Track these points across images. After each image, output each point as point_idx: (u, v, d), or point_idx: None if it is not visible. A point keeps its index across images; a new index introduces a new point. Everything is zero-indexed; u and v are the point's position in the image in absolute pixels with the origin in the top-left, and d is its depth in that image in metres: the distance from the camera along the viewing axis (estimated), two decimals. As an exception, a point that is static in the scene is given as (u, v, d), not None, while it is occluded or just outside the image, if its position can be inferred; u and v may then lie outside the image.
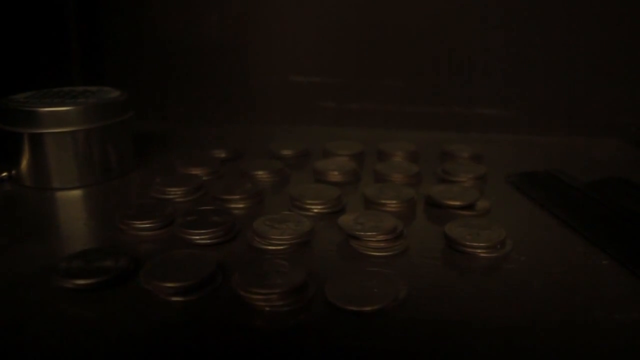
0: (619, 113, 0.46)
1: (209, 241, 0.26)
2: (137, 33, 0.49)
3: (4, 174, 0.34)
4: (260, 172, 0.34)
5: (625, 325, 0.20)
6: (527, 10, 0.44)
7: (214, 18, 0.47)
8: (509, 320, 0.20)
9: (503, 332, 0.19)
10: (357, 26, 0.46)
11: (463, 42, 0.45)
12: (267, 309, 0.20)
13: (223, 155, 0.38)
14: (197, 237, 0.26)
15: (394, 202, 0.30)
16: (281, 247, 0.25)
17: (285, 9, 0.46)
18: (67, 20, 0.47)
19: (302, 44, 0.46)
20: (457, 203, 0.30)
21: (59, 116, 0.33)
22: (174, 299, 0.21)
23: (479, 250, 0.25)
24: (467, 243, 0.25)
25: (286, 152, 0.38)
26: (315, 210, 0.29)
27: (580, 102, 0.46)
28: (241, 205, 0.30)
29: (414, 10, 0.45)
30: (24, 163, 0.34)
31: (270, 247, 0.25)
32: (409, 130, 0.45)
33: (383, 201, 0.30)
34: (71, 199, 0.33)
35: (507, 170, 0.36)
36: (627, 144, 0.44)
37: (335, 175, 0.34)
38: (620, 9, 0.43)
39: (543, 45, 0.45)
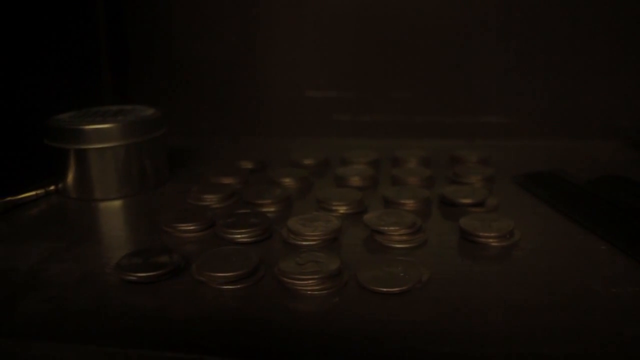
0: (617, 116, 0.49)
1: (249, 239, 0.29)
2: (163, 55, 0.52)
3: (52, 187, 0.37)
4: (286, 179, 0.37)
5: (621, 296, 0.23)
6: (526, 20, 0.47)
7: (233, 37, 0.51)
8: (520, 296, 0.23)
9: (516, 308, 0.22)
10: (366, 42, 0.49)
11: (467, 55, 0.48)
12: (308, 293, 0.23)
13: (250, 166, 0.42)
14: (239, 236, 0.29)
15: (411, 201, 0.33)
16: (314, 243, 0.28)
17: (300, 27, 0.49)
18: (98, 43, 0.51)
19: (315, 60, 0.50)
20: (469, 201, 0.33)
21: (101, 133, 0.36)
22: (226, 287, 0.24)
23: (490, 240, 0.28)
24: (480, 234, 0.28)
25: (308, 162, 0.42)
26: (341, 211, 0.32)
27: (579, 107, 0.49)
28: (272, 209, 0.33)
29: (418, 27, 0.48)
30: (70, 176, 0.37)
31: (304, 243, 0.28)
32: (419, 139, 0.48)
33: (402, 201, 0.33)
34: (113, 208, 0.36)
35: (512, 172, 0.39)
36: (626, 146, 0.47)
37: (356, 180, 0.37)
38: (617, 12, 0.46)
39: (542, 53, 0.48)
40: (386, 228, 0.28)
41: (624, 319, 0.21)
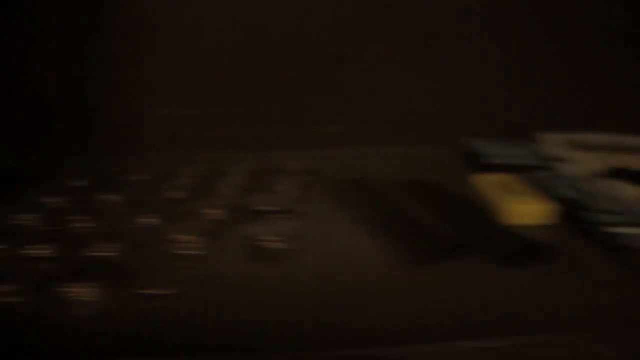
0: (448, 125, 0.55)
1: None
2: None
3: None
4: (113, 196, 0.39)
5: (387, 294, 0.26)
6: (353, 36, 0.51)
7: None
8: (275, 294, 0.26)
9: (302, 300, 0.26)
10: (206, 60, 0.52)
11: (299, 69, 0.52)
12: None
13: (81, 184, 0.42)
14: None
15: (218, 211, 0.35)
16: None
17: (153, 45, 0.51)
18: None
19: (156, 81, 0.52)
20: (273, 208, 0.36)
21: None
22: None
23: (273, 243, 0.31)
24: (266, 238, 0.31)
25: (137, 178, 0.43)
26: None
27: (410, 115, 0.54)
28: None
29: (253, 43, 0.51)
30: None
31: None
32: (254, 151, 0.51)
33: (206, 211, 0.35)
34: None
35: (333, 179, 0.43)
36: (453, 152, 0.52)
37: (179, 194, 0.39)
38: (440, 27, 0.51)
39: (373, 65, 0.52)
40: (177, 236, 0.30)
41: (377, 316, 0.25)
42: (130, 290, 0.26)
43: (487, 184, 0.39)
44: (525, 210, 0.35)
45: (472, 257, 0.31)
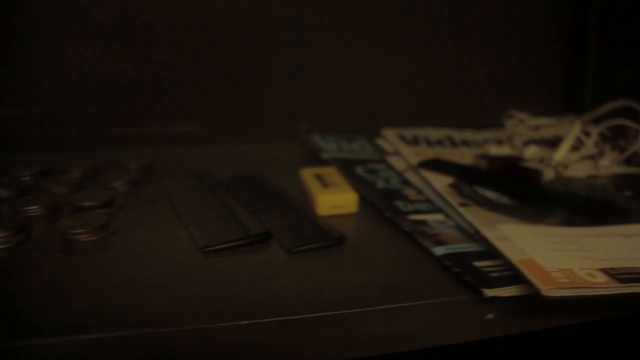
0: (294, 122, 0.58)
1: None
2: None
3: None
4: None
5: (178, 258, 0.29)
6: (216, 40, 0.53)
7: None
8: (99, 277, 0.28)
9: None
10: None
11: (163, 65, 0.53)
12: None
13: None
14: None
15: (36, 207, 0.36)
16: None
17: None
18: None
19: None
20: (93, 203, 0.37)
21: None
22: None
23: (82, 236, 0.32)
24: (72, 231, 0.32)
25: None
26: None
27: (260, 113, 0.57)
28: None
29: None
30: None
31: None
32: (95, 150, 0.52)
33: (27, 208, 0.36)
34: None
35: (169, 175, 0.44)
36: (297, 147, 0.55)
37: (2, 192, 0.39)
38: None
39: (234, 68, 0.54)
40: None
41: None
42: None
43: (307, 176, 0.42)
44: (329, 200, 0.38)
45: (272, 245, 0.33)
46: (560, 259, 0.29)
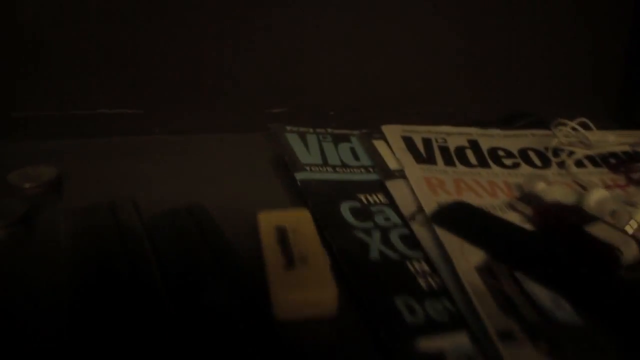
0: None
1: None
2: None
3: None
4: None
5: None
6: None
7: None
8: None
9: None
10: None
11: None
12: None
13: None
14: None
15: None
16: None
17: None
18: None
19: None
20: None
21: None
22: None
23: None
24: None
25: None
26: None
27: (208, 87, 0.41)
28: None
29: None
30: None
31: None
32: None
33: None
34: None
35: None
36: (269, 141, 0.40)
37: None
38: None
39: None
40: None
41: None
42: None
43: (265, 233, 0.27)
44: (294, 300, 0.24)
45: None
46: None
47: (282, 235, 0.27)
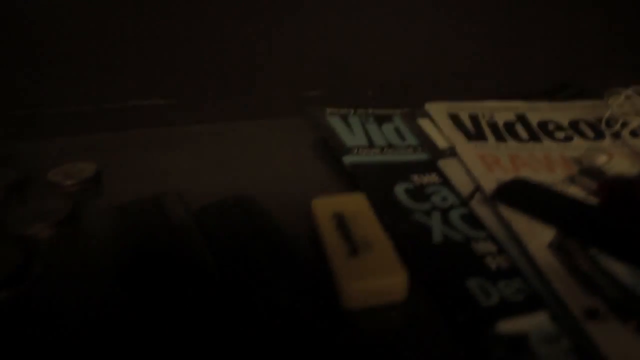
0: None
1: None
2: None
3: None
4: None
5: None
6: None
7: None
8: None
9: None
10: None
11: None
12: None
13: None
14: None
15: None
16: None
17: None
18: None
19: None
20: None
21: None
22: None
23: None
24: None
25: None
26: None
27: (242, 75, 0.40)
28: None
29: None
30: None
31: None
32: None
33: None
34: None
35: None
36: (307, 124, 0.39)
37: None
38: None
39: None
40: None
41: None
42: None
43: (323, 221, 0.26)
44: (363, 289, 0.23)
45: None
46: None
47: (341, 222, 0.26)
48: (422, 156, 0.34)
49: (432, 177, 0.32)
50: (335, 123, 0.37)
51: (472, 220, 0.28)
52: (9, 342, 0.21)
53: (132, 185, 0.32)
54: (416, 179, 0.32)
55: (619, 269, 0.24)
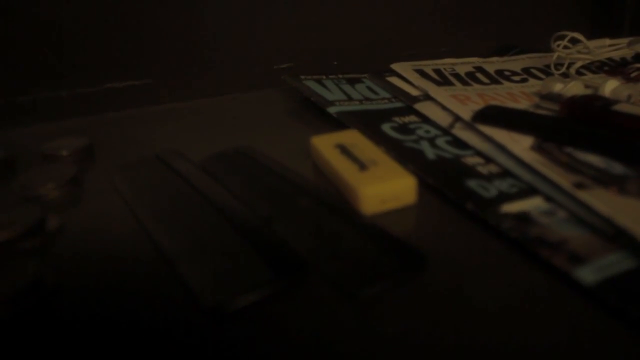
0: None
1: None
2: None
3: None
4: None
5: None
6: None
7: None
8: None
9: None
10: None
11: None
12: None
13: None
14: None
15: None
16: None
17: None
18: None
19: None
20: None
21: None
22: None
23: None
24: None
25: None
26: None
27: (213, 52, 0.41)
28: None
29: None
30: None
31: None
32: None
33: None
34: None
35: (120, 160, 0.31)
36: (284, 94, 0.41)
37: None
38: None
39: None
40: None
41: None
42: None
43: (327, 151, 0.28)
44: (378, 193, 0.25)
45: (311, 283, 0.20)
46: None
47: (344, 149, 0.28)
48: (397, 104, 0.37)
49: (412, 118, 0.35)
50: (313, 85, 0.39)
51: (458, 143, 0.31)
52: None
53: (124, 155, 0.33)
54: (398, 119, 0.34)
55: (592, 159, 0.27)
